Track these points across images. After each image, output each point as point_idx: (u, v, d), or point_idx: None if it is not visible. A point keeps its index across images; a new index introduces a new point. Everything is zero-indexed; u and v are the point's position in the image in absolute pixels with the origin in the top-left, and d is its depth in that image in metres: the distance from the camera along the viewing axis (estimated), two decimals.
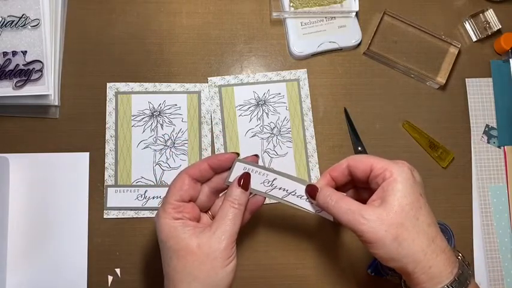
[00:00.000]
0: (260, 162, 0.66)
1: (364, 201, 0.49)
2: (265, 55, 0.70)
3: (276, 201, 0.55)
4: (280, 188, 0.53)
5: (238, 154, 0.53)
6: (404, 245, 0.45)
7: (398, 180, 0.47)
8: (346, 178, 0.52)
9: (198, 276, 0.47)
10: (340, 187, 0.53)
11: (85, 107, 0.67)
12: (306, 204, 0.53)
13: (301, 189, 0.53)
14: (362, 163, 0.50)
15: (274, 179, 0.53)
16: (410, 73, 0.70)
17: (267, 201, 0.65)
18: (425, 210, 0.47)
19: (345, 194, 0.51)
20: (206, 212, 0.55)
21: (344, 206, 0.48)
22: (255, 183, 0.52)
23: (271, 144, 0.68)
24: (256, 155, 0.54)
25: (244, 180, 0.51)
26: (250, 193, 0.52)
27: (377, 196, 0.48)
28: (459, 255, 0.49)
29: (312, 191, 0.51)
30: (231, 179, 0.52)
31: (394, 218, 0.45)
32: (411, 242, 0.45)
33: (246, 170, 0.52)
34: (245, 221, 0.55)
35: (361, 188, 0.53)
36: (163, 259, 0.49)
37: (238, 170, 0.52)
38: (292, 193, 0.53)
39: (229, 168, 0.53)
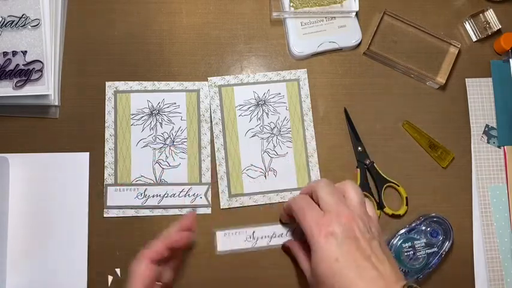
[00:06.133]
0: (260, 163, 0.67)
1: None
2: (265, 55, 0.70)
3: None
4: (262, 237, 0.63)
5: (191, 230, 0.58)
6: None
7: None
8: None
9: None
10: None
11: (85, 107, 0.67)
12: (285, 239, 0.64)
13: (279, 229, 0.63)
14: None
15: (253, 232, 0.63)
16: (410, 73, 0.70)
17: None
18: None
19: None
20: None
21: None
22: (239, 243, 0.62)
23: (271, 144, 0.68)
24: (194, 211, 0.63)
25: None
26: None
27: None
28: None
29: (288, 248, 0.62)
30: (219, 248, 0.63)
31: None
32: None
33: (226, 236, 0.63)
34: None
35: None
36: None
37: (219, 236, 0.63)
38: (273, 236, 0.63)
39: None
